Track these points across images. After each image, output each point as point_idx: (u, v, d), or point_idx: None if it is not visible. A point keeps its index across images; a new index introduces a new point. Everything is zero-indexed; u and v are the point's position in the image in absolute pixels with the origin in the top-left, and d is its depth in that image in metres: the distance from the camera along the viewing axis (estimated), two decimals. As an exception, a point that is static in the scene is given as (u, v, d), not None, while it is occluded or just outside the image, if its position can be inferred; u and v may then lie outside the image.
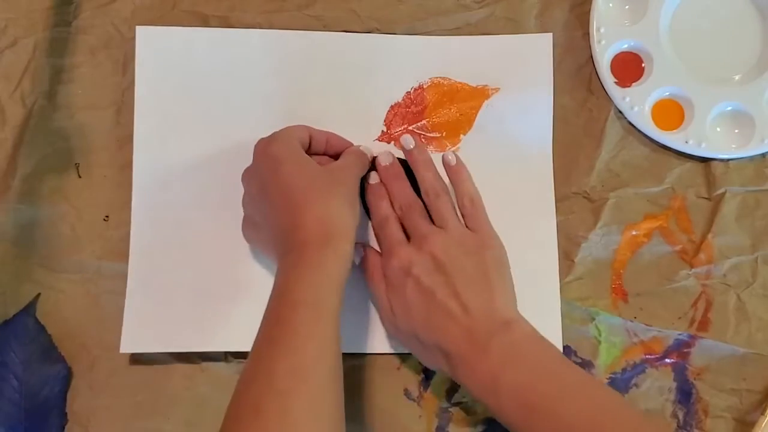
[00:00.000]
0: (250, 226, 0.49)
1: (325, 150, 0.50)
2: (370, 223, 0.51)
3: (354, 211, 0.45)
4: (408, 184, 0.50)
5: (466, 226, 0.48)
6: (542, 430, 0.41)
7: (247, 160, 0.50)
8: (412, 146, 0.50)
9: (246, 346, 0.50)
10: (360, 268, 0.49)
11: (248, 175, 0.48)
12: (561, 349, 0.50)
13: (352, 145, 0.51)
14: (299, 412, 0.38)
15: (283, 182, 0.44)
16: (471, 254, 0.46)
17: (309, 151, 0.49)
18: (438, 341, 0.44)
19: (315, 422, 0.38)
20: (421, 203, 0.49)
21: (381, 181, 0.50)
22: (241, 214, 0.50)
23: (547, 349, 0.44)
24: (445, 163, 0.50)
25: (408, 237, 0.48)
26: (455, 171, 0.50)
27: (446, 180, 0.50)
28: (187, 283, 0.51)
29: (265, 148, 0.46)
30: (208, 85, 0.52)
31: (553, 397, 0.41)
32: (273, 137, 0.47)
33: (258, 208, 0.47)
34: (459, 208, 0.49)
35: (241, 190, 0.50)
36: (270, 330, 0.41)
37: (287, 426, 0.37)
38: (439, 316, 0.44)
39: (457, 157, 0.50)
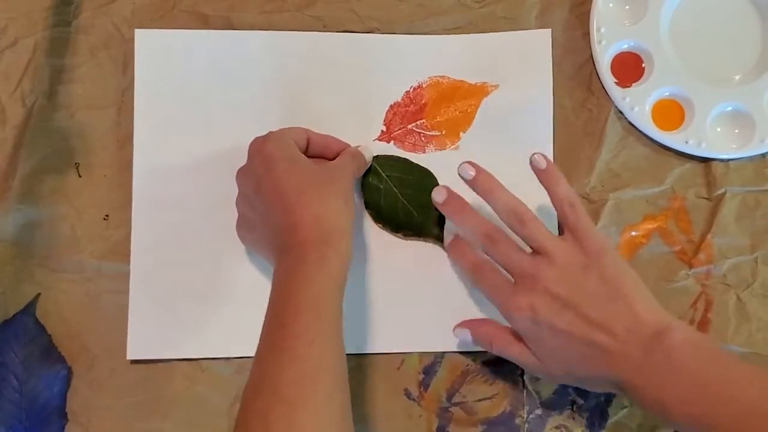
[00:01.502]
0: (244, 226, 0.48)
1: (323, 153, 0.50)
2: (366, 225, 0.52)
3: (350, 209, 0.45)
4: (476, 212, 0.47)
5: (569, 232, 0.45)
6: None
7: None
8: (473, 173, 0.46)
9: (251, 351, 0.50)
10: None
11: (242, 175, 0.47)
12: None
13: (349, 146, 0.51)
14: (307, 421, 0.38)
15: (277, 181, 0.44)
16: (588, 271, 0.43)
17: (307, 153, 0.49)
18: (596, 374, 0.42)
19: (323, 428, 0.38)
20: (501, 230, 0.46)
21: (448, 216, 0.48)
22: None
23: (704, 350, 0.40)
24: (534, 167, 0.46)
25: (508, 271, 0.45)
26: (548, 174, 0.46)
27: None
28: (191, 286, 0.51)
29: (259, 147, 0.46)
30: (208, 86, 0.52)
31: (719, 404, 0.38)
32: (267, 136, 0.47)
33: (253, 207, 0.46)
34: (559, 215, 0.46)
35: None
36: (273, 335, 0.41)
37: None
38: (587, 352, 0.42)
39: (547, 159, 0.46)
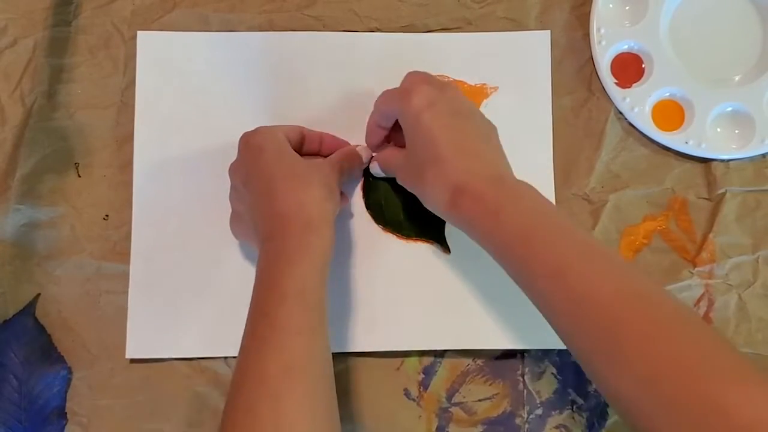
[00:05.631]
0: (235, 220, 0.48)
1: (319, 150, 0.50)
2: (368, 226, 0.52)
3: (334, 200, 0.45)
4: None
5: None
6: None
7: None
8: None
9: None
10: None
11: (233, 169, 0.48)
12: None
13: (347, 144, 0.51)
14: (294, 413, 0.38)
15: (264, 170, 0.44)
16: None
17: (302, 151, 0.49)
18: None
19: (310, 420, 0.38)
20: None
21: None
22: (242, 214, 0.50)
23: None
24: None
25: None
26: None
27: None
28: (190, 286, 0.51)
29: (248, 139, 0.46)
30: (208, 87, 0.52)
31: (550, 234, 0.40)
32: (256, 130, 0.47)
33: (242, 200, 0.47)
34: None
35: (242, 191, 0.50)
36: (258, 325, 0.41)
37: (282, 428, 0.37)
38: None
39: None
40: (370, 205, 0.52)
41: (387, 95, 0.48)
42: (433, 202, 0.44)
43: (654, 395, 0.34)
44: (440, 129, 0.43)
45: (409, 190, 0.47)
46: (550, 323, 0.40)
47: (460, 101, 0.46)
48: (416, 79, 0.46)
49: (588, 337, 0.37)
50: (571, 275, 0.38)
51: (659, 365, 0.35)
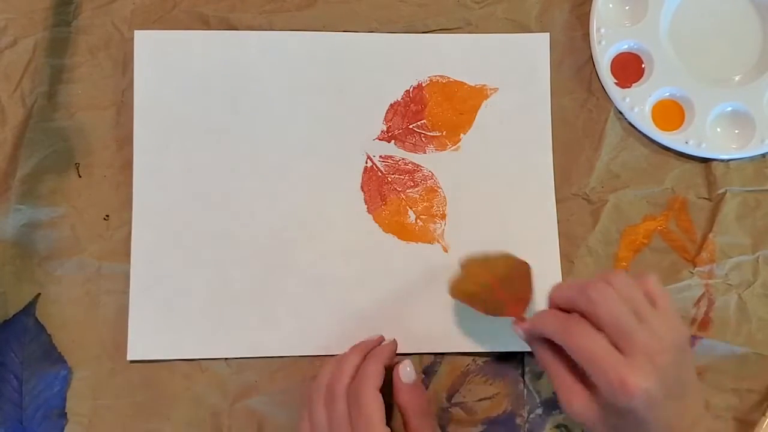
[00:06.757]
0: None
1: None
2: (370, 226, 0.52)
3: None
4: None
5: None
6: None
7: (247, 160, 0.50)
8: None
9: (249, 352, 0.50)
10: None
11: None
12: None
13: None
14: None
15: None
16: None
17: None
18: None
19: None
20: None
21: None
22: (241, 213, 0.51)
23: None
24: None
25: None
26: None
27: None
28: (191, 287, 0.51)
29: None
30: (208, 86, 0.52)
31: None
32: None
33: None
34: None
35: (240, 189, 0.51)
36: None
37: None
38: None
39: None
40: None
41: (600, 365, 0.39)
42: None
43: None
44: (654, 418, 0.39)
45: None
46: None
47: (672, 370, 0.40)
48: (636, 366, 0.39)
49: None
50: None
51: None
